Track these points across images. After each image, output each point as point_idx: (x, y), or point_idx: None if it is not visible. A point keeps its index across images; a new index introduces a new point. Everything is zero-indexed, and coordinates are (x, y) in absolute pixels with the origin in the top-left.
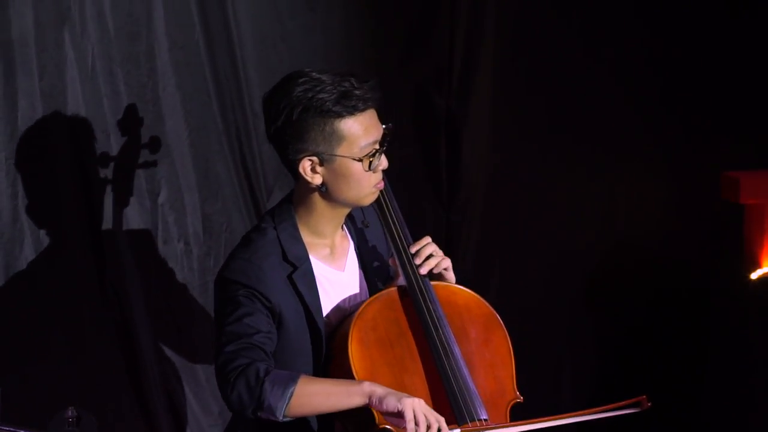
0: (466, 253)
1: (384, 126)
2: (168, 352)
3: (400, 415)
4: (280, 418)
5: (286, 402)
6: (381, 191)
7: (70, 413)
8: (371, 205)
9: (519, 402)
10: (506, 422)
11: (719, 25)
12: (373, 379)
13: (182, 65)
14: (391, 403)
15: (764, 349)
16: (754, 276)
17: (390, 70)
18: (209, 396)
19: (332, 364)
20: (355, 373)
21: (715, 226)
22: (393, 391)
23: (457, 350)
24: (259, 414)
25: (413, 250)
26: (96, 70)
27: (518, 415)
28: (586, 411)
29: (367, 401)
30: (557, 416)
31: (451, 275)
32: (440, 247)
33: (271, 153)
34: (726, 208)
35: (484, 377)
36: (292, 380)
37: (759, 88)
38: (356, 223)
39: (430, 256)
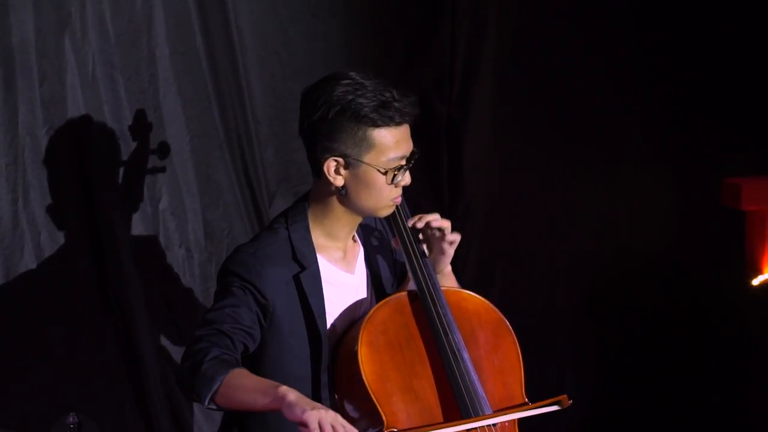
0: (468, 259)
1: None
2: (170, 358)
3: (304, 424)
4: (205, 404)
5: (213, 390)
6: (397, 206)
7: (71, 419)
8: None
9: None
10: (515, 429)
11: (721, 31)
12: (382, 382)
13: (183, 72)
14: (296, 411)
15: (765, 355)
16: (755, 282)
17: (391, 77)
18: None
19: (340, 367)
20: (364, 377)
21: (717, 232)
22: (308, 401)
23: (466, 355)
24: (192, 397)
25: (410, 223)
26: (96, 77)
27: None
28: (509, 410)
29: (279, 405)
30: (481, 417)
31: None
32: None
33: (272, 159)
34: (727, 215)
35: (493, 382)
36: (225, 370)
37: (760, 95)
38: (366, 231)
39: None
